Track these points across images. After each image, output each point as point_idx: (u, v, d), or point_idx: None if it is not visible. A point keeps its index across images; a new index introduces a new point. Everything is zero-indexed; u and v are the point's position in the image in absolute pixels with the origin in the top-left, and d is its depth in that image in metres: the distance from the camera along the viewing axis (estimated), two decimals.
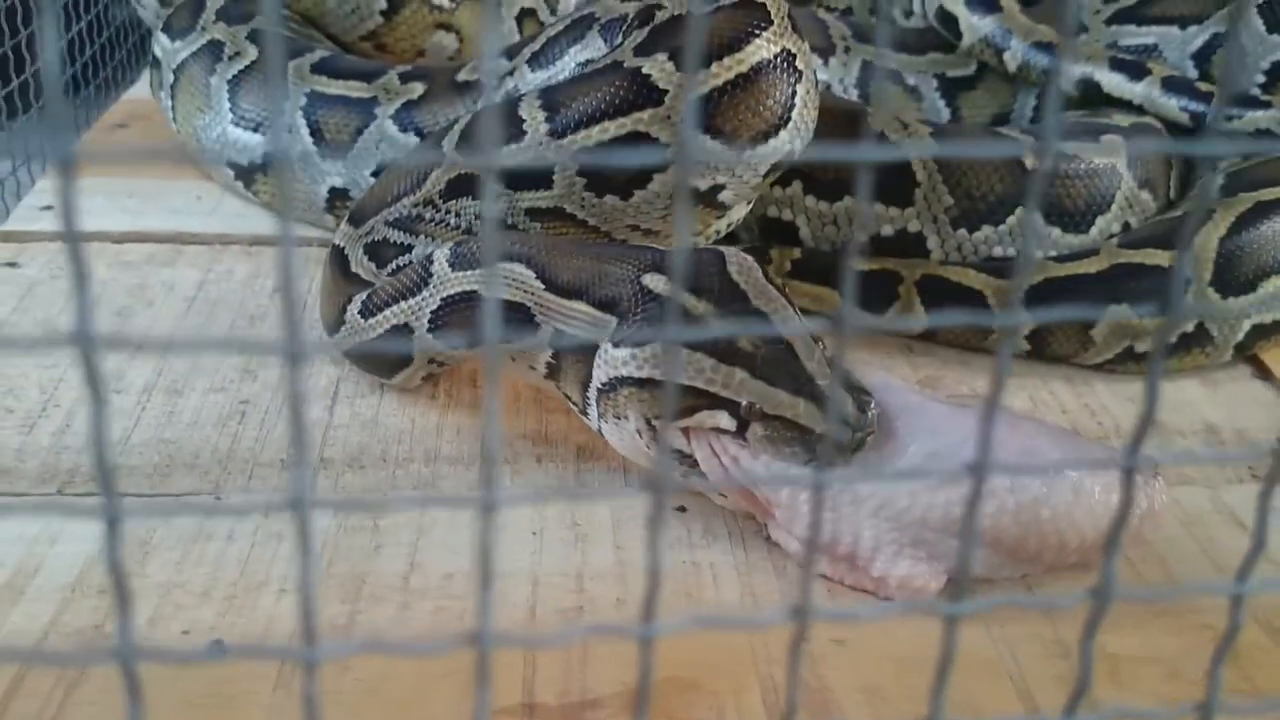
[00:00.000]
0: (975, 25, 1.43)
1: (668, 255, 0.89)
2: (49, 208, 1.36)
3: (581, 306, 0.89)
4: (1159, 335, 0.38)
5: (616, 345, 0.85)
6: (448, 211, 1.05)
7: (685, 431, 0.85)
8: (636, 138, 0.98)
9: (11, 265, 1.24)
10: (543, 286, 0.91)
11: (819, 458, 0.80)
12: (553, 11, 1.65)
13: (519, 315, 0.93)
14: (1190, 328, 1.11)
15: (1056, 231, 1.17)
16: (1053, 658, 0.78)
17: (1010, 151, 1.20)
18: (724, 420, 0.82)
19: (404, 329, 0.98)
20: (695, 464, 0.85)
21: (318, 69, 1.29)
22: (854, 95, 1.50)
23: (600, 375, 0.86)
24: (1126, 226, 1.20)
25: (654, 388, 0.84)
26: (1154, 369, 0.38)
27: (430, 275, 0.96)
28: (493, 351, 0.34)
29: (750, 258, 0.90)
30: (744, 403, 0.81)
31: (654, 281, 0.87)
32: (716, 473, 0.83)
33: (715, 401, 0.82)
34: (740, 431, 0.82)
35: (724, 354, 0.82)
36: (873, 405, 0.82)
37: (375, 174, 1.24)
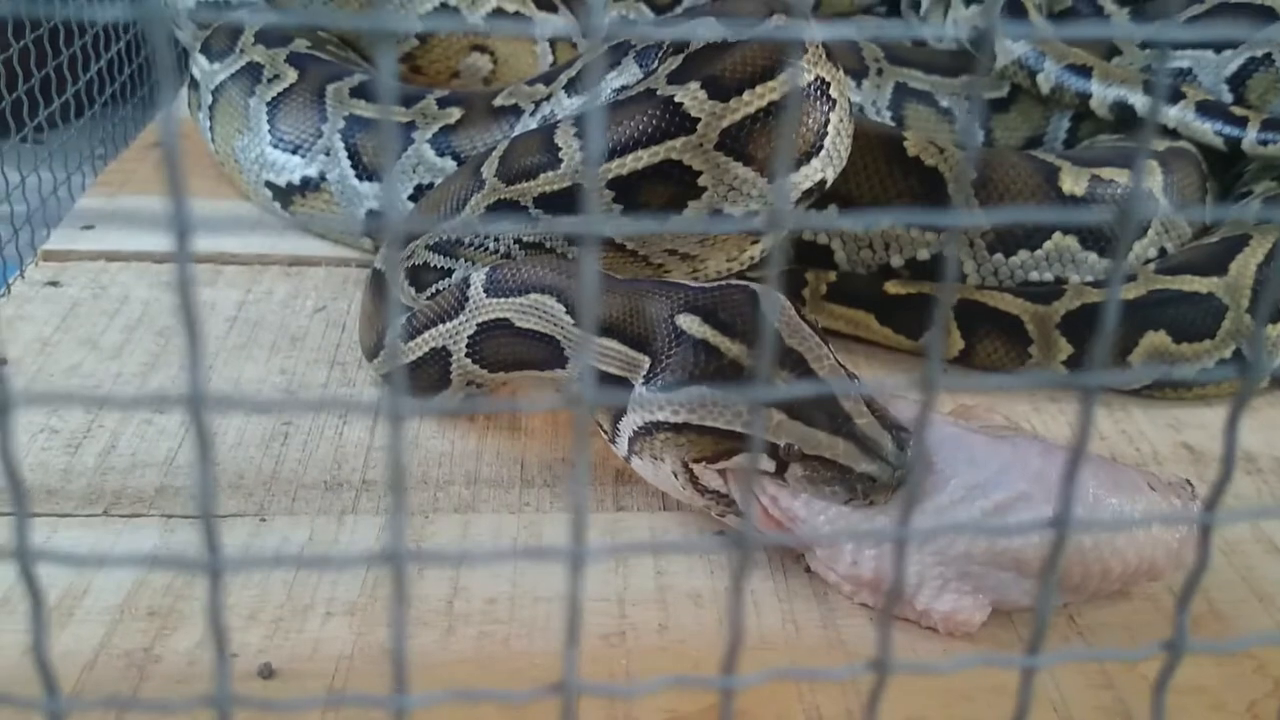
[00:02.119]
0: (1009, 47, 1.43)
1: (701, 294, 0.90)
2: (90, 227, 1.37)
3: (613, 344, 0.89)
4: (1238, 398, 0.38)
5: (651, 388, 0.85)
6: (486, 235, 1.06)
7: (723, 472, 0.85)
8: (669, 166, 0.99)
9: (53, 284, 1.25)
10: (571, 321, 0.92)
11: (859, 496, 0.81)
12: (585, 34, 1.66)
13: (547, 345, 0.94)
14: (1228, 353, 1.11)
15: (1093, 256, 1.17)
16: (1095, 688, 0.78)
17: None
18: (763, 462, 0.82)
19: (442, 353, 0.99)
20: (733, 503, 0.86)
21: (357, 93, 1.30)
22: (887, 117, 1.50)
23: (635, 418, 0.86)
24: (1163, 251, 1.21)
25: (690, 432, 0.84)
26: (1230, 440, 0.39)
27: (466, 300, 0.97)
28: (584, 414, 0.35)
29: (783, 296, 0.90)
30: (782, 444, 0.81)
31: (688, 322, 0.87)
32: (755, 512, 0.84)
33: (751, 445, 0.82)
34: (779, 472, 0.82)
35: None
36: (911, 441, 0.82)
37: (413, 197, 1.25)
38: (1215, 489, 0.41)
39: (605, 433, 0.93)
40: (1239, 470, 1.04)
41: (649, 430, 0.85)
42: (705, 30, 1.04)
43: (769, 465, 0.82)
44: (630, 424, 0.87)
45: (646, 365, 0.87)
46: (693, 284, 0.91)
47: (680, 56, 1.04)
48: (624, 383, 0.89)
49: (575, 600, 0.36)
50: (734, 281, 0.91)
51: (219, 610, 0.35)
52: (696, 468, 0.85)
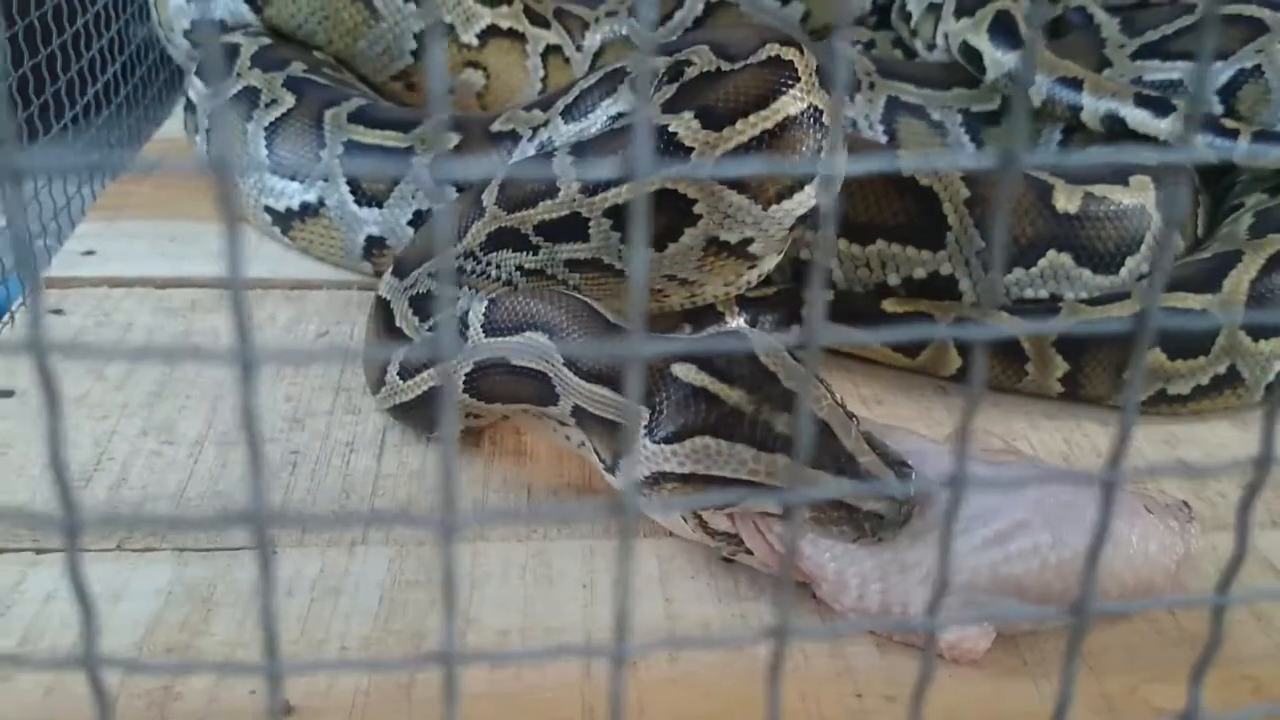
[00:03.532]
0: (999, 60, 1.45)
1: (695, 344, 0.91)
2: (91, 253, 1.38)
3: (607, 393, 0.90)
4: (1249, 489, 0.39)
5: (655, 440, 0.86)
6: (488, 264, 1.07)
7: (730, 514, 0.87)
8: (665, 194, 1.00)
9: (57, 312, 1.26)
10: (561, 361, 0.93)
11: (868, 535, 0.82)
12: (578, 48, 1.67)
13: (541, 382, 0.95)
14: (1222, 369, 1.12)
15: (1087, 273, 1.19)
16: (1098, 713, 0.80)
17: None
18: (771, 505, 0.84)
19: (441, 389, 1.00)
20: (742, 542, 0.87)
21: (355, 118, 1.31)
22: (879, 132, 1.52)
23: (641, 470, 0.87)
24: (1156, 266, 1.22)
25: (698, 482, 0.85)
26: (1246, 507, 0.40)
27: (465, 340, 0.99)
28: (631, 523, 0.36)
29: (774, 339, 0.91)
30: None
31: (684, 371, 0.87)
32: (762, 550, 0.85)
33: (758, 489, 0.84)
34: (786, 514, 0.84)
35: (763, 441, 0.83)
36: (914, 475, 0.84)
37: (412, 223, 1.26)
38: (1228, 570, 0.42)
39: (602, 463, 0.94)
40: (1234, 484, 1.06)
41: (655, 480, 0.86)
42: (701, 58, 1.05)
43: (776, 508, 0.84)
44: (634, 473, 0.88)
45: (644, 414, 0.87)
46: (683, 336, 0.92)
47: (675, 85, 1.05)
48: (618, 427, 0.90)
49: (618, 698, 0.37)
50: (724, 328, 0.92)
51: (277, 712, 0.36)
52: (705, 513, 0.87)
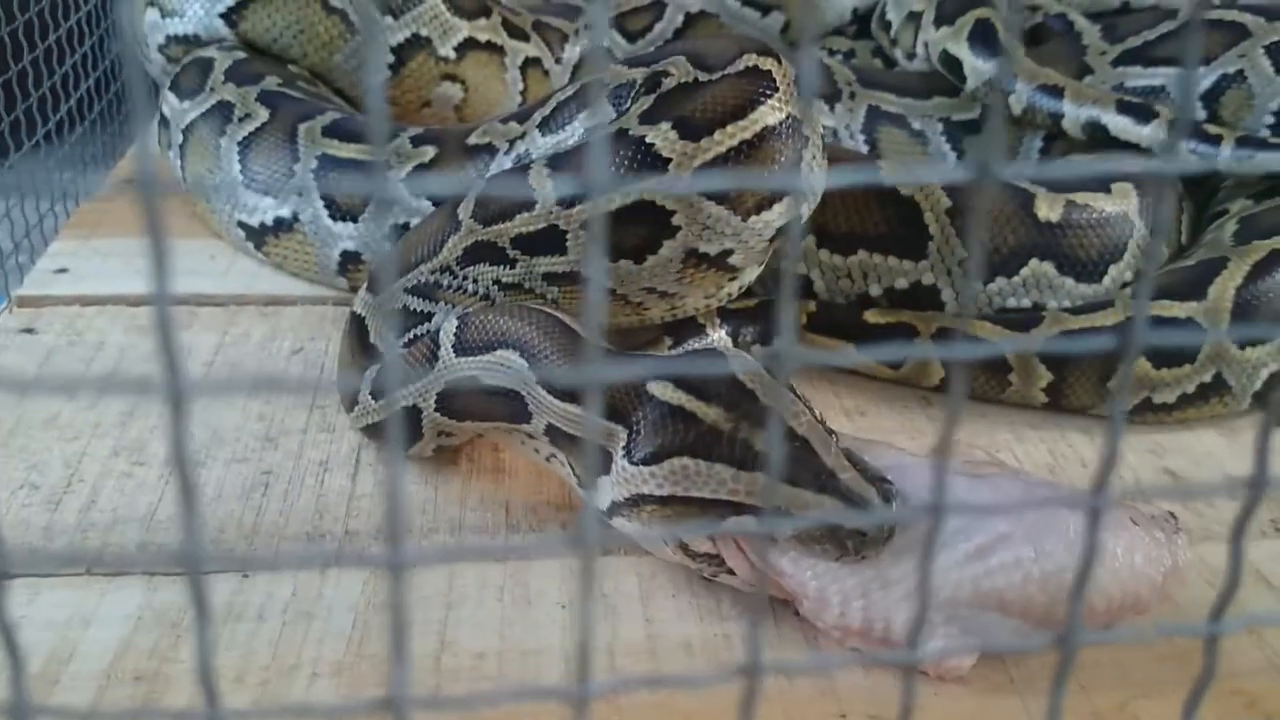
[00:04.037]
0: (979, 68, 1.44)
1: (668, 363, 0.89)
2: (64, 270, 1.36)
3: (581, 412, 0.88)
4: (1241, 516, 0.38)
5: (633, 462, 0.84)
6: (465, 278, 1.05)
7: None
8: (642, 206, 0.99)
9: (28, 331, 1.24)
10: (535, 379, 0.91)
11: (851, 553, 0.80)
12: (557, 60, 1.66)
13: (513, 401, 0.94)
14: (1208, 377, 1.11)
15: (1069, 281, 1.18)
16: None
17: None
18: (750, 524, 0.82)
19: (413, 410, 0.99)
20: (723, 563, 0.86)
21: (329, 132, 1.30)
22: (860, 141, 1.50)
23: (620, 491, 0.86)
24: (1139, 275, 1.21)
25: (677, 504, 0.83)
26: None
27: (436, 359, 0.97)
28: (590, 555, 0.34)
29: (751, 358, 0.90)
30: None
31: (660, 389, 0.86)
32: (745, 569, 0.84)
33: (739, 508, 0.82)
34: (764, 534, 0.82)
35: (742, 460, 0.82)
36: (895, 491, 0.82)
37: (387, 238, 1.24)
38: (1223, 596, 0.40)
39: (576, 479, 0.93)
40: (1224, 496, 1.04)
41: (635, 503, 0.85)
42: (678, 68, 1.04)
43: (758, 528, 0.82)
44: (611, 494, 0.87)
45: (621, 434, 0.86)
46: (659, 355, 0.91)
47: (652, 96, 1.03)
48: (589, 443, 0.88)
49: None
50: (705, 341, 0.91)
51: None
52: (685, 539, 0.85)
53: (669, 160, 0.98)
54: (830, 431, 0.86)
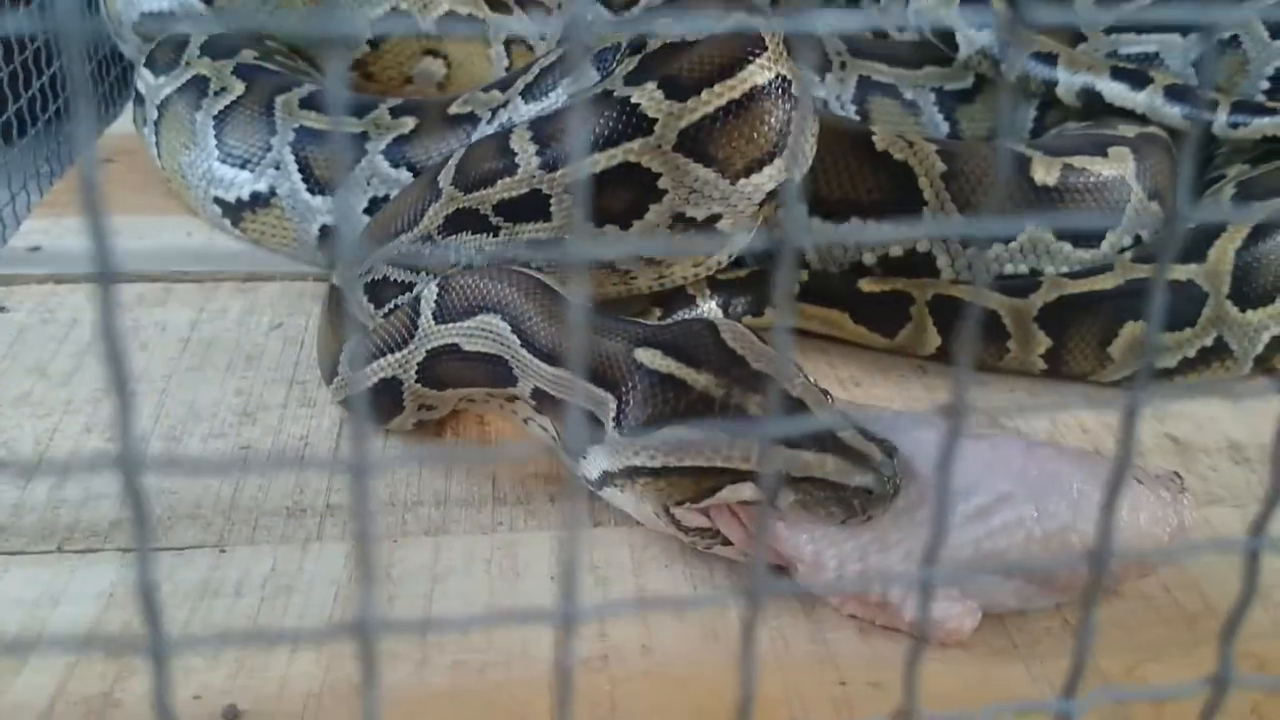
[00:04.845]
0: (972, 37, 1.41)
1: (658, 329, 0.87)
2: (37, 249, 1.33)
3: (570, 377, 0.86)
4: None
5: (624, 432, 0.81)
6: (447, 247, 1.02)
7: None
8: (628, 168, 0.96)
9: (1, 310, 1.21)
10: (519, 342, 0.89)
11: (858, 513, 0.77)
12: (542, 36, 1.63)
13: (497, 365, 0.91)
14: (1209, 341, 1.09)
15: (1068, 247, 1.15)
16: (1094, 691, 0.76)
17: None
18: (749, 492, 0.79)
19: (393, 381, 0.96)
20: (717, 534, 0.83)
21: (306, 104, 1.26)
22: (851, 111, 1.48)
23: (612, 462, 0.83)
24: (1138, 239, 1.18)
25: (671, 474, 0.80)
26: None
27: (415, 327, 0.94)
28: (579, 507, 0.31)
29: (740, 325, 0.88)
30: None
31: (648, 356, 0.83)
32: (740, 538, 0.81)
33: (737, 475, 0.79)
34: (770, 501, 0.78)
35: (737, 424, 0.79)
36: (895, 449, 0.79)
37: (368, 210, 1.21)
38: (1261, 514, 0.38)
39: (569, 452, 0.90)
40: (1226, 459, 1.02)
41: (628, 474, 0.82)
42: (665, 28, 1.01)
43: (756, 495, 0.79)
44: (603, 464, 0.84)
45: (611, 403, 0.83)
46: (645, 322, 0.89)
47: (637, 57, 1.01)
48: (578, 409, 0.86)
49: (565, 669, 0.33)
50: (687, 316, 0.88)
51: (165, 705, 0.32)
52: (678, 511, 0.82)
53: (655, 121, 0.95)
54: (825, 393, 0.83)
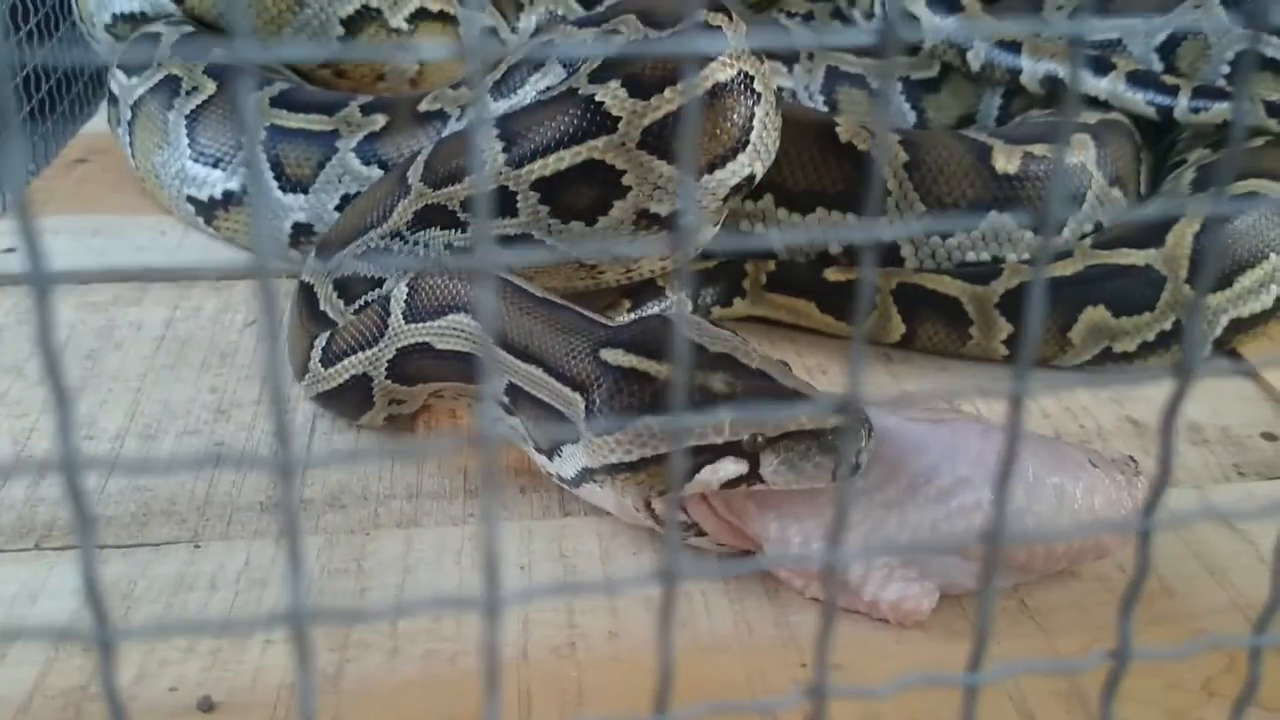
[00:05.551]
0: (937, 26, 1.43)
1: (619, 330, 0.88)
2: (11, 250, 1.34)
3: (541, 374, 0.87)
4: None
5: (597, 432, 0.83)
6: (416, 243, 1.04)
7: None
8: (592, 165, 0.98)
9: None
10: (493, 340, 0.90)
11: (840, 458, 0.78)
12: (513, 30, 1.64)
13: (468, 363, 0.93)
14: (1168, 325, 1.11)
15: (1029, 235, 1.17)
16: (1051, 675, 0.78)
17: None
18: (731, 466, 0.79)
19: (363, 378, 0.97)
20: (693, 525, 0.85)
21: (278, 102, 1.28)
22: (819, 102, 1.49)
23: (591, 459, 0.84)
24: (1098, 226, 1.20)
25: (649, 465, 0.82)
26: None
27: (386, 326, 0.96)
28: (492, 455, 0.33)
29: (695, 316, 0.89)
30: (746, 437, 0.78)
31: (613, 355, 0.85)
32: (716, 529, 0.83)
33: (716, 452, 0.79)
34: (752, 471, 0.79)
35: (702, 406, 0.80)
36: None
37: (339, 208, 1.22)
38: (1152, 494, 0.40)
39: (533, 445, 0.91)
40: (1185, 441, 1.04)
41: (608, 471, 0.83)
42: (625, 33, 1.03)
43: (739, 467, 0.79)
44: (580, 462, 0.86)
45: (579, 403, 0.84)
46: (608, 321, 0.90)
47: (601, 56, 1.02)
48: (548, 408, 0.87)
49: (492, 648, 0.34)
50: (657, 309, 0.90)
51: (114, 692, 0.33)
52: (658, 504, 0.84)
53: (619, 119, 0.97)
54: (784, 364, 0.85)
